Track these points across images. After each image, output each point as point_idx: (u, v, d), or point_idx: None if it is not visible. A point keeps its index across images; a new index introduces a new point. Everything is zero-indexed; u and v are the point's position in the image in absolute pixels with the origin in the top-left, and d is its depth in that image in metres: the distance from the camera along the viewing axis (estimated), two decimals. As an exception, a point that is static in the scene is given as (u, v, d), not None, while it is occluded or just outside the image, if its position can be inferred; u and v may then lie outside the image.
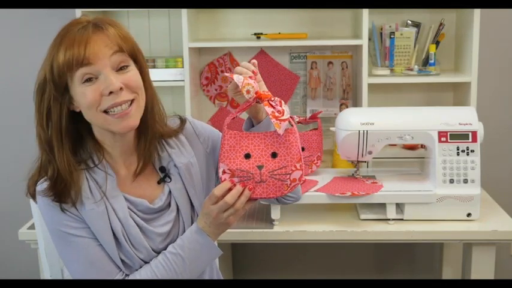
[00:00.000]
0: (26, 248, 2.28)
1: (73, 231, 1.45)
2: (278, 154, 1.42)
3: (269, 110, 1.40)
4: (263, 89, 1.47)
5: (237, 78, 1.40)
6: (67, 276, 1.85)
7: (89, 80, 1.39)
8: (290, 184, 1.43)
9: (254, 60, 1.48)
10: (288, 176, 1.42)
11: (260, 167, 1.42)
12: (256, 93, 1.41)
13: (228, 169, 1.42)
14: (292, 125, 1.42)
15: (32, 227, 2.07)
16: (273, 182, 1.42)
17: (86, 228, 1.46)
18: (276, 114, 1.39)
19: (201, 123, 1.64)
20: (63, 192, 1.43)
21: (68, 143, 1.43)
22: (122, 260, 1.48)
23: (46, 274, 1.83)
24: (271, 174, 1.42)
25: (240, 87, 1.40)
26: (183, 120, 1.60)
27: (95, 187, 1.46)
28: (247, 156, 1.42)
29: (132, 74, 1.43)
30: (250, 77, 1.42)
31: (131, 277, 1.48)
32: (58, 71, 1.38)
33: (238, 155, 1.42)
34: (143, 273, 1.47)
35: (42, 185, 1.45)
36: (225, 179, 1.43)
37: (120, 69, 1.41)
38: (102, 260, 1.46)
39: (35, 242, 2.04)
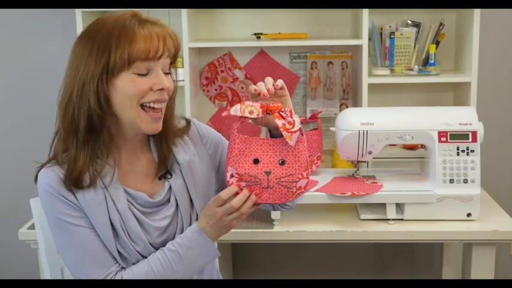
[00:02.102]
0: (26, 248, 2.28)
1: (71, 219, 1.46)
2: (286, 161, 1.43)
3: (279, 122, 1.41)
4: (288, 103, 1.49)
5: (233, 110, 1.42)
6: (67, 276, 1.85)
7: (142, 73, 1.42)
8: (296, 191, 1.45)
9: (280, 80, 1.48)
10: (294, 184, 1.44)
11: (268, 173, 1.43)
12: (261, 106, 1.42)
13: (237, 173, 1.43)
14: (302, 135, 1.43)
15: (32, 227, 2.07)
16: (280, 188, 1.44)
17: (85, 218, 1.47)
18: (287, 126, 1.41)
19: (205, 126, 1.66)
20: (79, 175, 1.45)
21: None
22: (118, 252, 1.49)
23: (46, 274, 1.83)
24: (279, 181, 1.43)
25: (241, 114, 1.41)
26: (188, 122, 1.62)
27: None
28: (256, 161, 1.43)
29: (170, 79, 1.48)
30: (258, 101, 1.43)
31: (128, 271, 1.48)
32: (130, 58, 1.39)
33: (247, 159, 1.43)
34: (140, 267, 1.48)
35: (54, 168, 1.46)
36: (232, 183, 1.44)
37: (164, 72, 1.46)
38: (98, 250, 1.47)
39: (35, 242, 2.04)
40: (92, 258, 1.47)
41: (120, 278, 1.47)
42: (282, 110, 1.42)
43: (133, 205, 1.51)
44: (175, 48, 1.47)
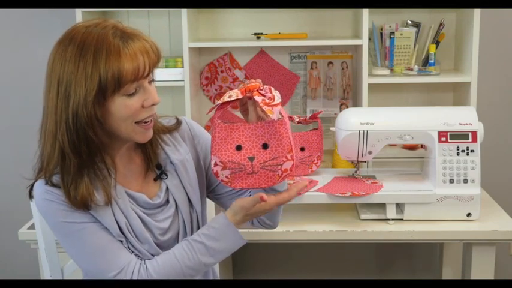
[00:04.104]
0: (26, 248, 2.28)
1: (76, 219, 1.44)
2: (269, 145, 1.42)
3: (259, 98, 1.39)
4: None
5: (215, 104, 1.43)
6: (67, 276, 1.86)
7: (131, 93, 1.40)
8: (281, 174, 1.44)
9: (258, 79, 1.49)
10: (279, 167, 1.43)
11: (251, 159, 1.42)
12: (240, 89, 1.42)
13: (220, 161, 1.42)
14: (282, 116, 1.42)
15: (32, 227, 2.07)
16: (265, 173, 1.43)
17: (88, 214, 1.44)
18: (267, 100, 1.39)
19: (199, 127, 1.66)
20: (86, 199, 1.43)
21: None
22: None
23: (46, 274, 1.83)
24: (263, 166, 1.42)
25: (221, 102, 1.41)
26: (179, 121, 1.62)
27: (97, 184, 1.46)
28: (239, 148, 1.42)
29: (155, 88, 1.46)
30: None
31: (152, 262, 1.47)
32: (119, 82, 1.36)
33: (229, 147, 1.42)
34: (165, 258, 1.47)
35: (45, 187, 1.44)
36: (217, 171, 1.43)
37: (148, 82, 1.44)
38: (111, 243, 1.46)
39: (35, 242, 2.04)
40: (109, 251, 1.45)
41: (144, 270, 1.45)
42: (261, 88, 1.42)
43: (135, 206, 1.51)
44: (158, 58, 1.44)
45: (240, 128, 1.43)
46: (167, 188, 1.55)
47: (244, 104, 1.47)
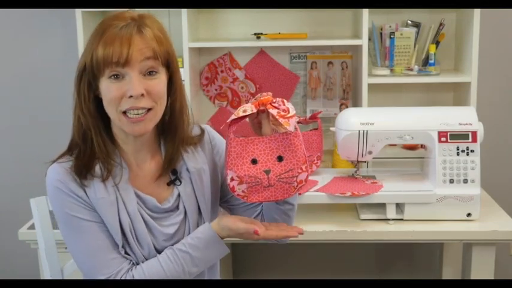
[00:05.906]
0: (26, 248, 2.28)
1: (81, 214, 1.45)
2: (284, 157, 1.43)
3: (274, 111, 1.41)
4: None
5: (230, 118, 1.43)
6: (67, 276, 1.86)
7: (115, 76, 1.41)
8: (297, 186, 1.45)
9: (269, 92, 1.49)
10: (294, 179, 1.44)
11: (267, 172, 1.43)
12: (253, 103, 1.42)
13: (237, 176, 1.43)
14: (296, 128, 1.44)
15: (32, 227, 2.07)
16: (281, 185, 1.44)
17: (94, 212, 1.46)
18: (282, 113, 1.41)
19: (219, 136, 1.66)
20: (91, 166, 1.46)
21: (102, 127, 1.48)
22: (125, 253, 1.48)
23: (46, 274, 1.83)
24: (279, 178, 1.44)
25: (235, 117, 1.42)
26: (202, 131, 1.62)
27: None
28: (254, 161, 1.43)
29: (157, 82, 1.44)
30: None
31: (138, 270, 1.47)
32: (97, 63, 1.40)
33: (245, 161, 1.43)
34: (151, 266, 1.47)
35: (64, 165, 1.47)
36: (233, 186, 1.44)
37: (148, 73, 1.43)
38: (109, 246, 1.46)
39: (35, 242, 2.04)
40: (103, 255, 1.46)
41: (131, 277, 1.46)
42: (274, 101, 1.43)
43: (142, 208, 1.51)
44: (155, 49, 1.42)
45: (254, 141, 1.44)
46: (178, 195, 1.55)
47: (256, 117, 1.47)
